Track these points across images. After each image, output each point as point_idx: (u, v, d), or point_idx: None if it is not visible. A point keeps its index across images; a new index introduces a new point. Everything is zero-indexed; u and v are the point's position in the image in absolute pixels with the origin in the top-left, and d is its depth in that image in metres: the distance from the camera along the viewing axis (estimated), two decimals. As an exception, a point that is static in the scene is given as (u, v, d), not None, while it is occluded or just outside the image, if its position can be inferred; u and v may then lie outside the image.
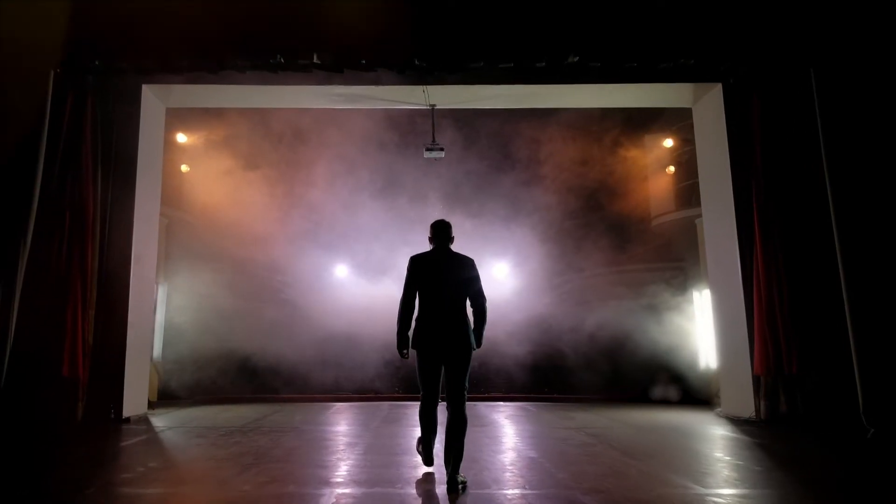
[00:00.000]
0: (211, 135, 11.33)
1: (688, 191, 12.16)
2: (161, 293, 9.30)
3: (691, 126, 12.31)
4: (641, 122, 12.19)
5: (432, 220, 4.08)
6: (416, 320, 3.79)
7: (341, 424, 6.85)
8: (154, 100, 7.71)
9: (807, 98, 6.49)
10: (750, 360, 6.87)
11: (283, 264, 11.72)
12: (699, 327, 9.47)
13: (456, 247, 4.11)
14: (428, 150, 7.93)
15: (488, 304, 3.90)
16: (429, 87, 7.40)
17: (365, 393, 10.92)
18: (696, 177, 12.18)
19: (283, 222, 11.64)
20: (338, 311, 11.35)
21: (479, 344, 3.84)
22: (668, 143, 12.38)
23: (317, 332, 11.03)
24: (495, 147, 11.04)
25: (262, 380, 10.57)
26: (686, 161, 12.38)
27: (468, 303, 3.84)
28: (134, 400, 7.08)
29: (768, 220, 6.73)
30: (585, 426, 6.49)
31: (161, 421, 6.97)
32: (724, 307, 7.47)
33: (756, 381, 6.79)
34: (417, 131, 9.48)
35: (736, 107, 7.26)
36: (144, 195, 7.45)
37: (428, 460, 3.97)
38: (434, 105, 8.00)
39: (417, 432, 4.18)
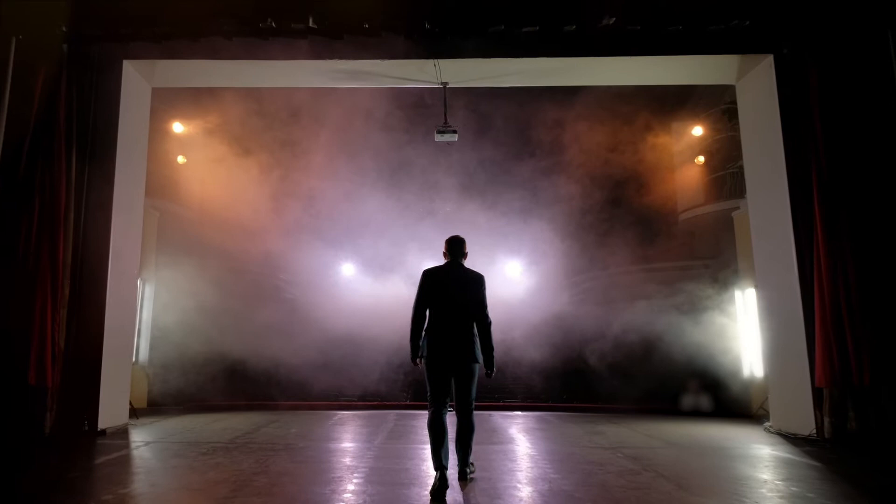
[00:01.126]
0: (207, 123, 10.63)
1: (721, 182, 11.27)
2: (148, 291, 8.57)
3: (724, 113, 11.61)
4: (669, 108, 11.32)
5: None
6: (426, 332, 3.92)
7: (341, 440, 6.06)
8: (137, 78, 6.97)
9: (880, 66, 5.60)
10: (809, 369, 5.98)
11: (284, 261, 11.01)
12: (742, 330, 8.54)
13: (470, 242, 4.24)
14: (440, 132, 7.12)
15: (493, 326, 4.02)
16: (441, 61, 6.59)
17: (370, 400, 10.14)
18: (730, 167, 11.36)
19: (282, 216, 10.92)
20: (341, 311, 10.61)
21: (490, 369, 3.98)
22: (698, 131, 11.50)
23: (319, 333, 10.30)
24: (511, 133, 10.21)
25: (260, 386, 9.84)
26: (717, 150, 11.50)
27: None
28: (112, 410, 6.34)
29: (832, 207, 5.83)
30: (620, 445, 5.64)
31: (141, 434, 6.22)
32: (776, 307, 6.57)
33: (817, 393, 5.90)
34: (427, 114, 8.67)
35: (790, 80, 6.37)
36: (126, 182, 6.72)
37: (441, 479, 3.66)
38: (446, 83, 7.19)
39: (427, 452, 4.09)
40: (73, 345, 6.03)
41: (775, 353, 6.60)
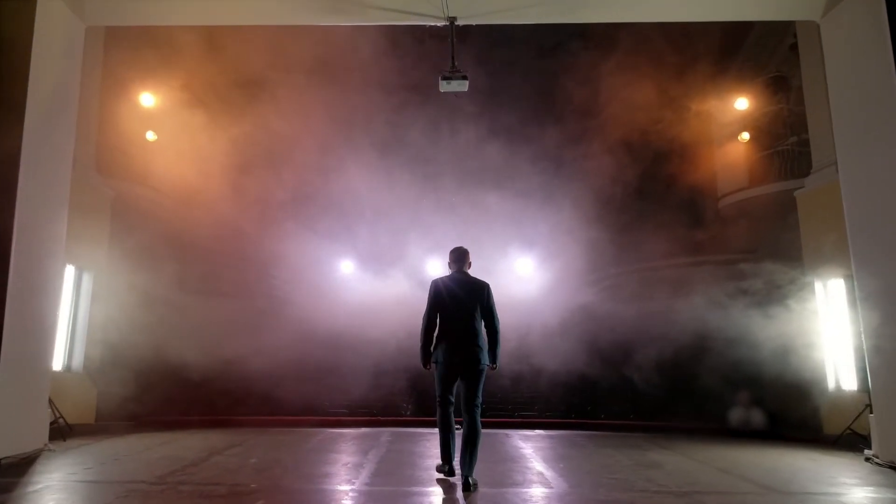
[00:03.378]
0: (174, 89, 9.16)
1: (770, 161, 9.75)
2: (87, 282, 7.02)
3: (771, 82, 10.09)
4: (710, 72, 9.81)
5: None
6: (436, 337, 4.16)
7: (311, 476, 4.52)
8: (61, 9, 5.50)
9: None
10: (941, 384, 4.44)
11: (265, 253, 9.52)
12: (824, 331, 6.93)
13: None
14: (445, 79, 5.60)
15: (501, 327, 4.23)
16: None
17: (361, 413, 8.62)
18: (780, 144, 9.83)
19: (263, 200, 9.46)
20: (332, 309, 9.13)
21: (495, 363, 4.17)
22: (742, 103, 9.98)
23: (304, 334, 8.87)
24: (527, 94, 8.68)
25: (232, 398, 8.33)
26: (766, 125, 9.98)
27: (483, 323, 4.20)
28: (15, 433, 4.84)
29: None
30: (693, 488, 4.09)
31: (51, 466, 4.70)
32: (886, 300, 5.00)
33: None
34: (426, 64, 7.14)
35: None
36: (42, 142, 5.23)
37: (446, 460, 4.13)
38: (454, 18, 5.70)
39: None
40: (-43, 348, 4.54)
41: (886, 360, 5.03)
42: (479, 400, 4.06)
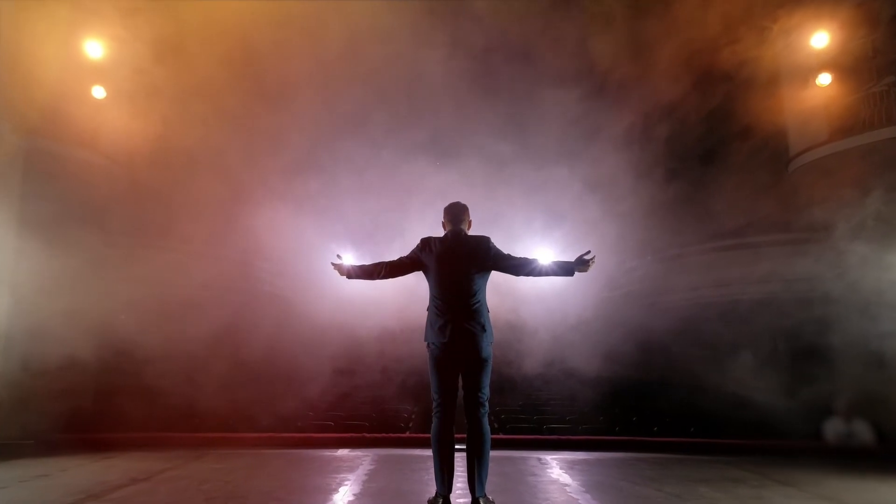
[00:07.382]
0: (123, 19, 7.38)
1: (860, 105, 7.80)
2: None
3: (859, 10, 8.15)
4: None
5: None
6: (428, 313, 3.35)
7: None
8: None
9: None
10: None
11: (234, 233, 7.76)
12: None
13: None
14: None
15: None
16: None
17: (339, 431, 6.67)
18: (873, 86, 7.88)
19: (224, 162, 7.67)
20: (321, 301, 7.39)
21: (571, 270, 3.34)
22: (820, 39, 8.02)
23: (270, 329, 7.12)
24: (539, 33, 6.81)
25: (178, 407, 6.48)
26: (854, 64, 8.01)
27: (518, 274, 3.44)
28: None
29: None
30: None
31: None
32: None
33: None
34: None
35: None
36: None
37: (440, 488, 3.15)
38: None
39: None
40: None
41: None
42: (486, 396, 3.21)
